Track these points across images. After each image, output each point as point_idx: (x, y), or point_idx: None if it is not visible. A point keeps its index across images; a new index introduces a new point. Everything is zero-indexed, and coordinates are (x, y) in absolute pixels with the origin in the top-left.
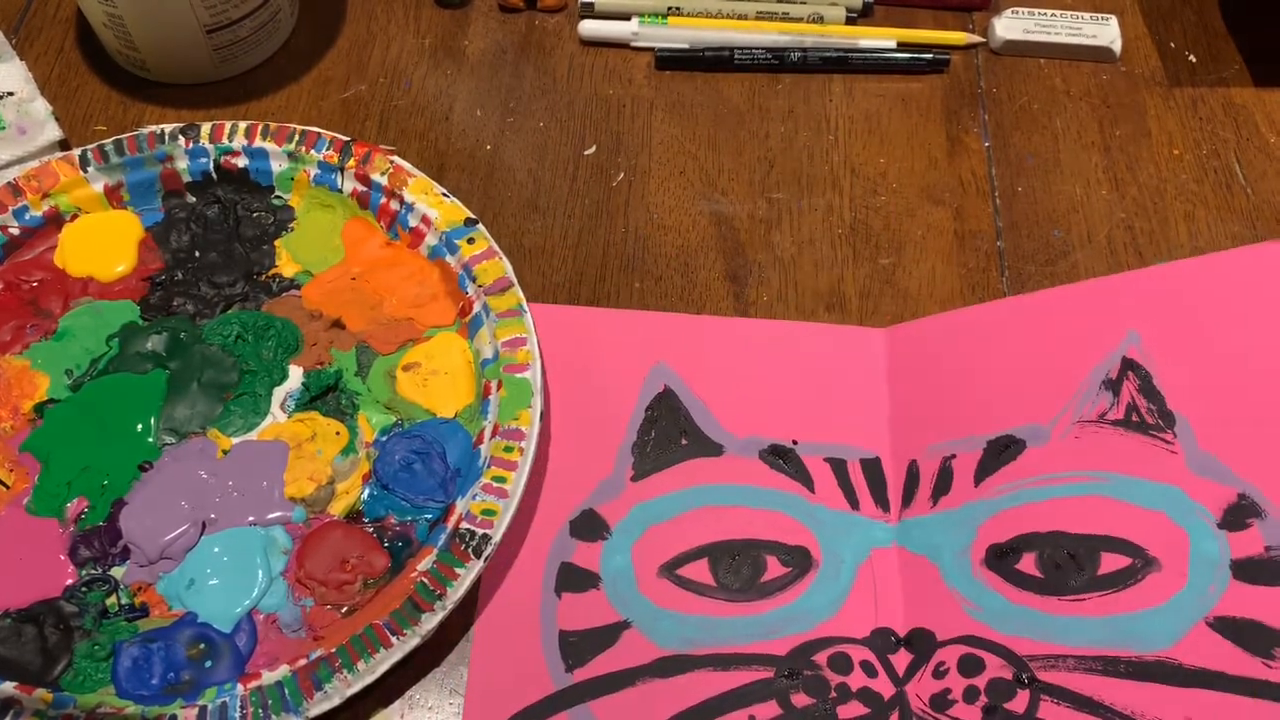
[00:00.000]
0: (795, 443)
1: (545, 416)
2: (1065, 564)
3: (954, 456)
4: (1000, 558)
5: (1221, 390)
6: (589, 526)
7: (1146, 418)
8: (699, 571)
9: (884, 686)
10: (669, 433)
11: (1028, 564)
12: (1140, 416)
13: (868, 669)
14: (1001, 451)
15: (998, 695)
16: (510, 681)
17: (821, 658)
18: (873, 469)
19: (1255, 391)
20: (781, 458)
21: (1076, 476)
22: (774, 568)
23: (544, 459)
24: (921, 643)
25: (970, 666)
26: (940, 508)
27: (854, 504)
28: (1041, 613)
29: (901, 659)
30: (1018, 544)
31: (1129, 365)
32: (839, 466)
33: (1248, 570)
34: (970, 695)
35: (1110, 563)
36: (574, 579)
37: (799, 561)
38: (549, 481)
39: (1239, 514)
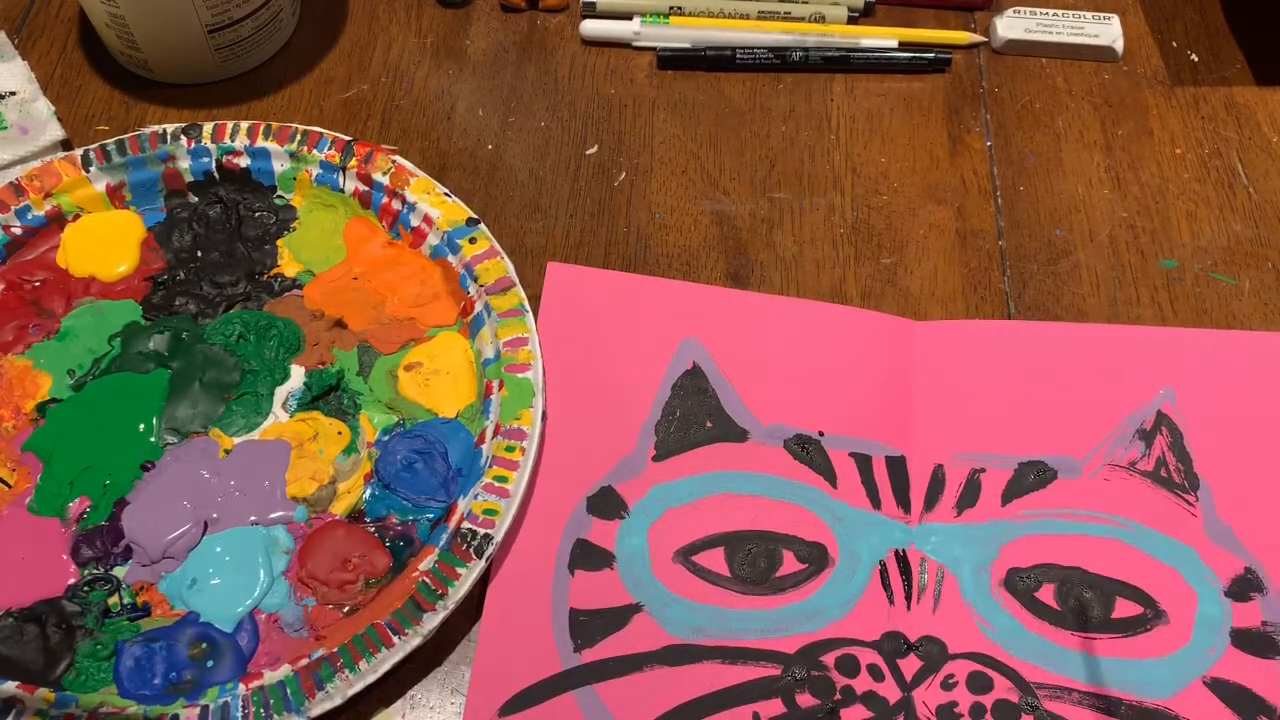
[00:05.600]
0: (821, 434)
1: (547, 416)
2: (1083, 601)
3: (983, 470)
4: (1020, 582)
5: (1244, 465)
6: (607, 504)
7: (1174, 475)
8: (714, 560)
9: (890, 691)
10: (694, 414)
11: (1046, 594)
12: (1169, 473)
13: (875, 673)
14: (1033, 476)
15: (1003, 716)
16: (518, 657)
17: (829, 658)
18: (897, 468)
19: (1274, 474)
20: (806, 449)
21: (1102, 518)
22: (790, 563)
23: (553, 449)
24: (932, 651)
25: (979, 684)
26: (964, 519)
27: (875, 502)
28: (1054, 644)
29: (910, 665)
30: (1038, 572)
31: (1163, 420)
32: (863, 462)
33: (1245, 640)
34: (976, 712)
35: (1124, 608)
36: (589, 556)
37: (815, 558)
38: (571, 453)
39: (1244, 586)
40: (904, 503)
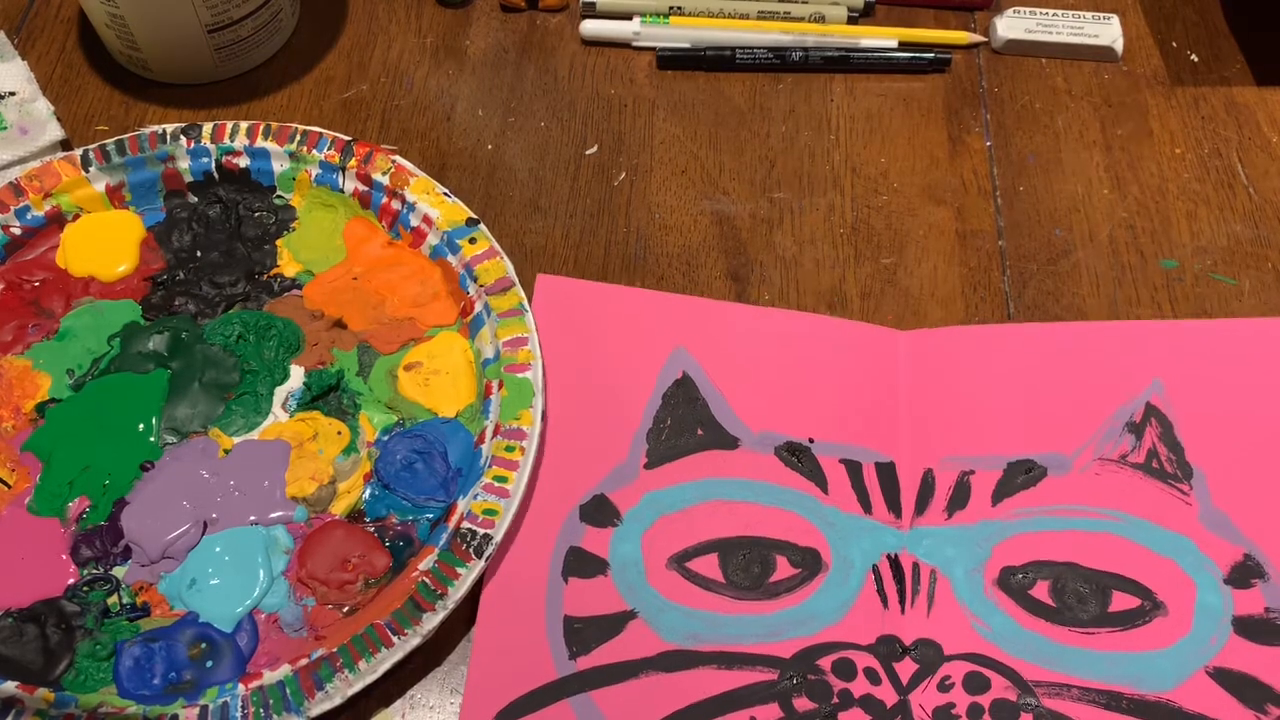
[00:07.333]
0: (811, 441)
1: (546, 416)
2: (1078, 596)
3: (973, 472)
4: (1013, 580)
5: (1238, 452)
6: (600, 512)
7: (1166, 466)
8: (708, 566)
9: (887, 694)
10: (685, 422)
11: (1041, 591)
12: (1160, 464)
13: (871, 676)
14: (1022, 475)
15: (1001, 716)
16: (513, 664)
17: (826, 662)
18: (887, 473)
19: (1269, 458)
20: (796, 456)
21: (1094, 512)
22: (783, 568)
23: (546, 457)
24: (927, 654)
25: (976, 684)
26: (955, 521)
27: (867, 508)
28: (1051, 640)
29: (906, 668)
30: (1032, 569)
31: (1152, 411)
32: (854, 469)
33: (1248, 627)
34: (974, 713)
35: (1121, 601)
36: (582, 564)
37: (809, 563)
38: (563, 461)
39: (1244, 573)
40: (895, 507)
